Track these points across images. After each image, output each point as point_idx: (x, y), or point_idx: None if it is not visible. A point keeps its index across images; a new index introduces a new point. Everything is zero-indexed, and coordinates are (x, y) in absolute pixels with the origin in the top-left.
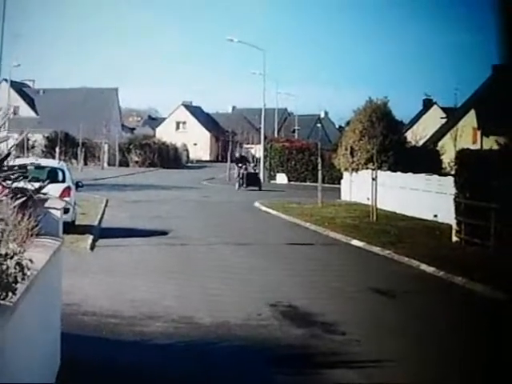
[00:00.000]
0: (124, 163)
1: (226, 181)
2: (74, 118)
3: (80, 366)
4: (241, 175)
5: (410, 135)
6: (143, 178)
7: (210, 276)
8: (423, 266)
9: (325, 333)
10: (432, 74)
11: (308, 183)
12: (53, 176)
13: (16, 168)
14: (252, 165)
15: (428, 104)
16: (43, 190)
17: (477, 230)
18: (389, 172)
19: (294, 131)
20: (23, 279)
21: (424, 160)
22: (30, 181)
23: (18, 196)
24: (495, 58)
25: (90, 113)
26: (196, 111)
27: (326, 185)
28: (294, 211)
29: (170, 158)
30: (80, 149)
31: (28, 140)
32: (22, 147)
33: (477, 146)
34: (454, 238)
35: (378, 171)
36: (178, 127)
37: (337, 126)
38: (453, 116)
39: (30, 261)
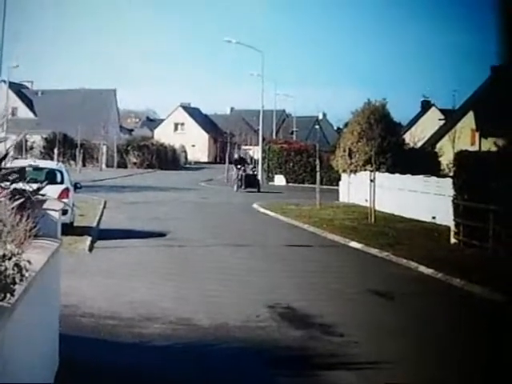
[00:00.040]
0: (122, 164)
1: (225, 182)
2: (72, 120)
3: (78, 367)
4: (239, 177)
5: (408, 137)
6: (141, 179)
7: (209, 278)
8: (421, 268)
9: (323, 334)
10: (430, 75)
11: (306, 185)
12: (51, 177)
13: (14, 169)
14: (251, 166)
15: (426, 106)
16: (41, 192)
17: (475, 231)
18: (387, 174)
19: (292, 133)
20: (21, 280)
21: (422, 162)
22: (28, 182)
23: (17, 197)
24: (494, 59)
25: (88, 114)
26: (194, 112)
27: (324, 186)
28: (293, 213)
29: (168, 159)
30: (78, 150)
31: (26, 141)
32: (21, 148)
33: (475, 148)
34: (453, 240)
35: (377, 173)
36: (176, 128)
37: (335, 128)
38: (451, 118)
39: (29, 262)
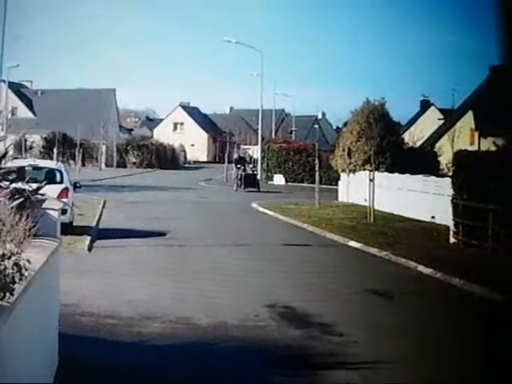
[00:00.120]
0: (122, 164)
1: (224, 182)
2: (71, 119)
3: (78, 366)
4: (239, 176)
5: (407, 136)
6: (141, 178)
7: (208, 278)
8: (421, 268)
9: (322, 334)
10: (430, 74)
11: (305, 184)
12: (51, 177)
13: (14, 169)
14: (250, 166)
15: (425, 105)
16: (41, 191)
17: (474, 231)
18: (386, 173)
19: (291, 132)
20: (21, 280)
21: (421, 161)
22: (27, 182)
23: (16, 197)
24: (493, 59)
25: (87, 114)
26: (193, 112)
27: (324, 186)
28: (292, 212)
29: (167, 158)
30: (78, 150)
31: (26, 141)
32: (20, 148)
33: (474, 148)
34: (452, 240)
35: (376, 172)
36: (175, 128)
37: (334, 127)
38: (450, 117)
39: (28, 261)
